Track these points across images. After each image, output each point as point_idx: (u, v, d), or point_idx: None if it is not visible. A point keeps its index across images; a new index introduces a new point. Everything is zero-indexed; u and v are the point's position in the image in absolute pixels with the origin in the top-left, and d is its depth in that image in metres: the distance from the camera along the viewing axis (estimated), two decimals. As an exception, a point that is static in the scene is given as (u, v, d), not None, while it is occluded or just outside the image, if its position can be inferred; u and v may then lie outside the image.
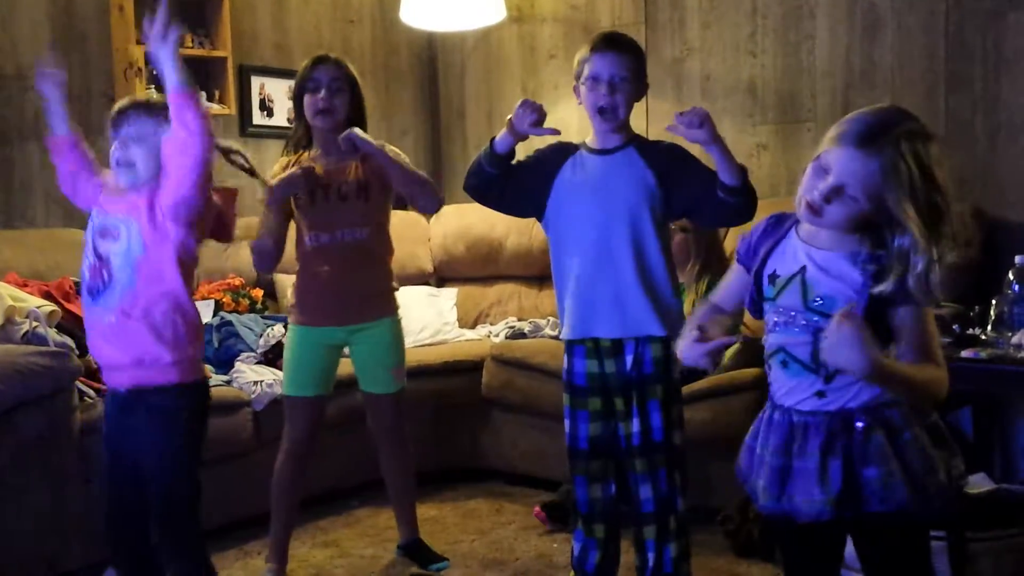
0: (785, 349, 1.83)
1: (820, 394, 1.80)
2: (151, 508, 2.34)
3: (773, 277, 1.85)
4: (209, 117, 2.27)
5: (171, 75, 2.21)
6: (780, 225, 1.91)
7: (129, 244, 2.29)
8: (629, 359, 2.62)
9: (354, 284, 3.07)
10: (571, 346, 2.71)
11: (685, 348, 1.95)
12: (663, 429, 2.63)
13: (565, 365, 2.73)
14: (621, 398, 2.65)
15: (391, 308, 3.18)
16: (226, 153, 2.60)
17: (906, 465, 1.75)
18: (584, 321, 2.67)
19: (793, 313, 1.81)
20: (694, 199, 2.60)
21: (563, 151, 2.70)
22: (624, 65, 2.58)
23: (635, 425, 2.63)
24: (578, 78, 2.64)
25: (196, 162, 2.24)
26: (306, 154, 3.09)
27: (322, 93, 3.02)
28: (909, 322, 1.74)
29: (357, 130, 3.01)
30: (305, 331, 3.09)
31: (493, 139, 2.61)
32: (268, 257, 3.07)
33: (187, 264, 2.34)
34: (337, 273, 3.04)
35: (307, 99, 3.04)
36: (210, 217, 2.41)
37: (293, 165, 3.06)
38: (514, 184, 2.67)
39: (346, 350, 3.18)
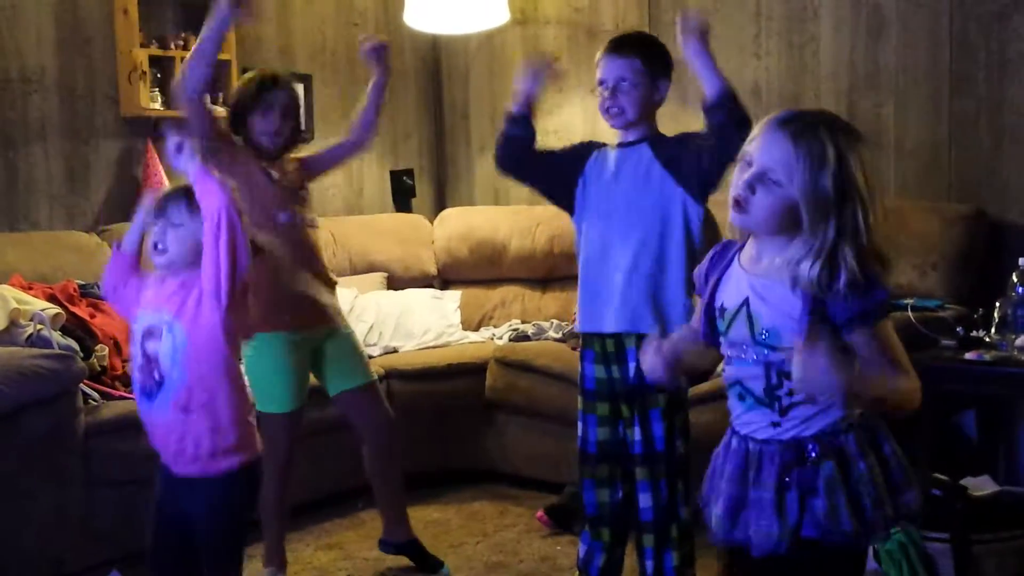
0: (741, 383, 1.80)
1: (775, 424, 1.76)
2: (200, 564, 2.35)
3: (722, 310, 1.80)
4: (238, 202, 2.27)
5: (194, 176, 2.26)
6: (725, 254, 1.86)
7: (174, 341, 2.26)
8: (632, 366, 2.62)
9: (323, 274, 3.11)
10: (583, 350, 2.73)
11: (646, 359, 1.91)
12: (664, 439, 2.62)
13: (580, 368, 2.76)
14: (626, 405, 2.66)
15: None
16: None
17: (855, 497, 1.71)
18: (588, 314, 2.69)
19: (744, 346, 1.76)
20: (694, 147, 2.58)
21: (592, 145, 2.75)
22: (626, 67, 2.59)
23: (637, 434, 2.63)
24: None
25: (226, 248, 2.22)
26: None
27: (274, 115, 2.99)
28: (864, 349, 1.68)
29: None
30: (293, 338, 3.00)
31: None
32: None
33: (234, 335, 2.32)
34: (314, 262, 3.06)
35: (257, 119, 2.99)
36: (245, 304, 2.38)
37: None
38: (547, 160, 2.74)
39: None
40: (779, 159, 1.67)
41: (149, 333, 2.29)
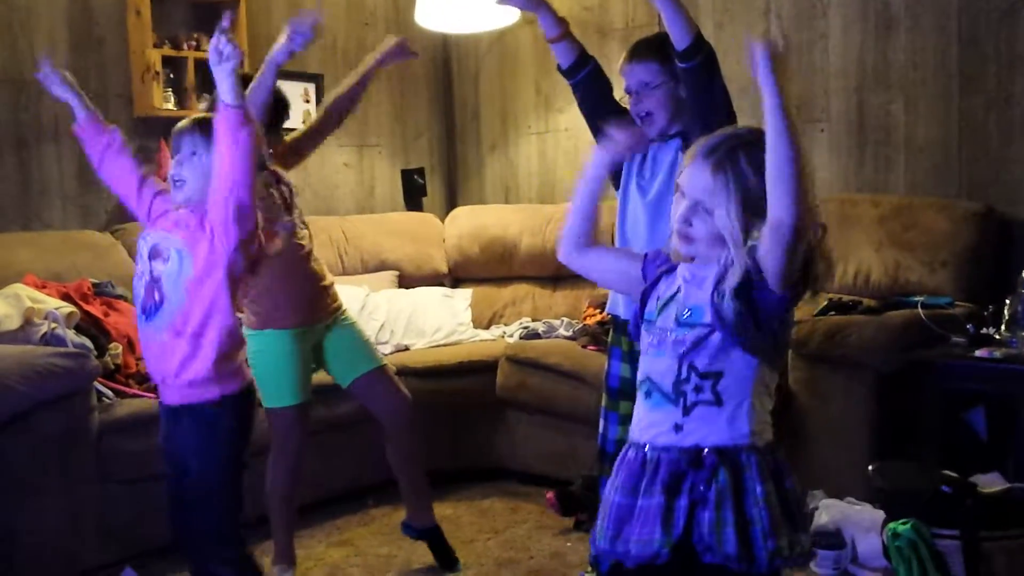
0: (650, 378, 1.78)
1: (678, 427, 1.73)
2: (187, 519, 2.40)
3: (658, 299, 1.81)
4: (261, 136, 2.31)
5: (226, 93, 2.23)
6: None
7: (181, 265, 2.31)
8: None
9: (320, 271, 3.12)
10: (611, 347, 2.76)
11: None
12: None
13: (606, 365, 2.79)
14: None
15: (340, 302, 3.22)
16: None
17: (746, 521, 1.65)
18: (619, 299, 2.73)
19: (666, 331, 1.76)
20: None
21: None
22: (646, 71, 2.62)
23: None
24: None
25: (243, 176, 2.26)
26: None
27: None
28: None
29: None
30: (297, 333, 3.02)
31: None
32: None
33: (235, 281, 2.36)
34: (310, 260, 3.07)
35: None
36: (256, 243, 2.41)
37: None
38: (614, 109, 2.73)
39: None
40: (706, 188, 1.71)
41: (155, 253, 2.34)
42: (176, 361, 2.33)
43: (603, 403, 2.77)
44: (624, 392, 2.69)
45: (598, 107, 2.75)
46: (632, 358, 2.66)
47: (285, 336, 3.00)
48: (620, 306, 2.72)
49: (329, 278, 3.17)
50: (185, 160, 2.34)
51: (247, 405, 2.45)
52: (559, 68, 2.82)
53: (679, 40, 2.48)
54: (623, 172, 2.73)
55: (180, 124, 2.41)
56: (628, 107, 2.70)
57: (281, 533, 3.12)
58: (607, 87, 2.80)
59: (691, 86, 2.54)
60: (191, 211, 2.34)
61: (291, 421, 3.03)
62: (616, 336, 2.77)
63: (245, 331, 2.80)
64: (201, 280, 2.31)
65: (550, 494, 3.61)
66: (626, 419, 2.66)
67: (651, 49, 2.67)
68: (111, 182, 2.50)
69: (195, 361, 2.33)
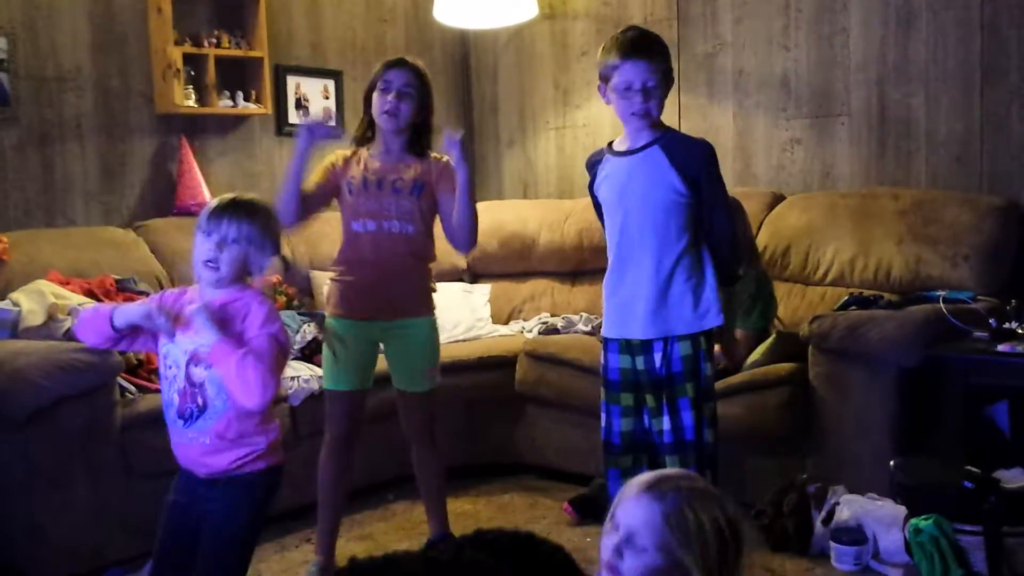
0: None
1: None
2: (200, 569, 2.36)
3: None
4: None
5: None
6: None
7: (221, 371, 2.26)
8: (658, 356, 2.64)
9: (395, 279, 3.09)
10: (606, 341, 2.76)
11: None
12: (694, 428, 2.64)
13: (601, 360, 2.78)
14: (652, 395, 2.67)
15: (428, 308, 3.19)
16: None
17: None
18: (615, 323, 2.74)
19: None
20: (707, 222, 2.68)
21: (596, 158, 2.80)
22: (655, 69, 2.61)
23: (666, 423, 2.65)
24: (606, 80, 2.66)
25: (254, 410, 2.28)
26: (365, 151, 3.13)
27: (391, 95, 3.04)
28: None
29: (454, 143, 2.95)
30: (344, 324, 3.11)
31: None
32: (289, 202, 2.99)
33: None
34: (380, 264, 3.06)
35: (376, 97, 3.08)
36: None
37: (352, 157, 3.13)
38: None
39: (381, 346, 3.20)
40: (646, 523, 1.62)
41: (196, 358, 2.27)
42: (222, 460, 2.30)
43: (602, 397, 2.76)
44: (624, 384, 2.71)
45: None
46: (630, 349, 2.69)
47: (341, 325, 3.11)
48: (633, 328, 2.71)
49: (412, 285, 3.14)
50: (225, 245, 2.26)
51: (277, 481, 2.42)
52: None
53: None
54: (607, 198, 2.73)
55: (219, 205, 2.30)
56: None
57: (323, 520, 3.18)
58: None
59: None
60: (220, 308, 2.28)
61: (333, 402, 3.14)
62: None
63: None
64: None
65: (566, 505, 3.62)
66: (628, 411, 2.69)
67: (654, 46, 2.66)
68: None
69: (245, 451, 2.31)
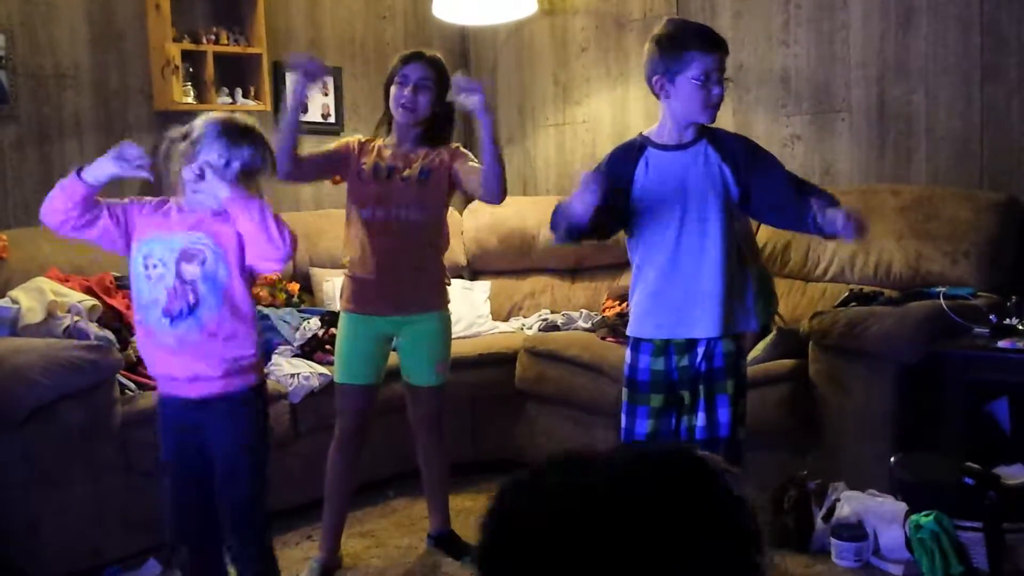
0: None
1: None
2: (222, 502, 2.40)
3: None
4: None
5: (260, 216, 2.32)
6: None
7: (217, 269, 2.32)
8: (700, 351, 2.59)
9: (407, 270, 3.08)
10: (637, 343, 2.65)
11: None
12: (729, 425, 2.59)
13: (628, 360, 2.66)
14: (688, 391, 2.61)
15: (442, 302, 3.19)
16: None
17: None
18: (668, 323, 2.61)
19: None
20: (777, 200, 2.56)
21: (630, 152, 2.64)
22: (722, 63, 2.56)
23: (700, 419, 2.59)
24: (675, 73, 2.53)
25: (282, 263, 2.38)
26: (380, 140, 3.14)
27: (408, 89, 3.06)
28: None
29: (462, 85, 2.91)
30: (355, 318, 3.11)
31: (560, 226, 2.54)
32: (284, 153, 2.95)
33: (252, 279, 2.44)
34: (390, 254, 3.05)
35: (394, 91, 3.09)
36: None
37: (367, 143, 3.15)
38: (604, 214, 2.49)
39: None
40: None
41: (188, 256, 2.31)
42: (213, 358, 2.33)
43: (625, 398, 2.67)
44: (657, 384, 2.62)
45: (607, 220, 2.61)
46: (667, 350, 2.60)
47: (349, 319, 3.13)
48: (669, 328, 2.64)
49: (424, 277, 3.14)
50: (216, 165, 2.32)
51: (267, 397, 2.49)
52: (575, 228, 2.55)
53: (838, 225, 2.46)
54: (648, 197, 2.60)
55: (210, 120, 2.37)
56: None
57: (329, 515, 3.20)
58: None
59: (805, 226, 2.53)
60: (220, 219, 2.34)
61: (344, 398, 3.15)
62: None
63: None
64: (233, 283, 2.34)
65: None
66: (657, 412, 2.63)
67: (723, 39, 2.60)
68: (68, 229, 2.39)
69: (234, 354, 2.35)
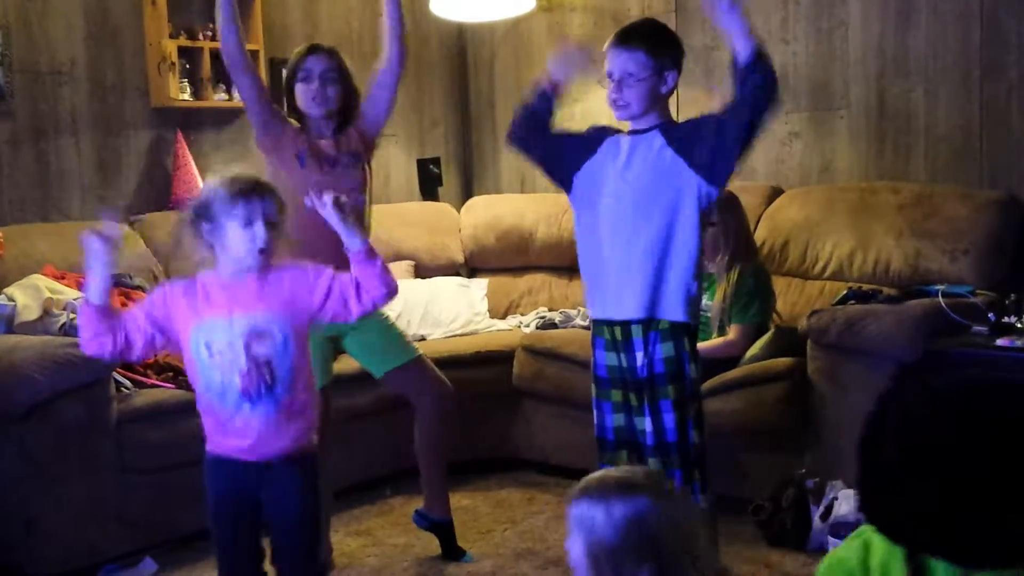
0: None
1: None
2: (283, 552, 2.35)
3: None
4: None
5: (354, 239, 2.30)
6: None
7: (286, 345, 2.24)
8: (639, 355, 2.60)
9: (344, 264, 3.03)
10: (593, 337, 2.73)
11: None
12: (676, 430, 2.60)
13: (591, 356, 2.75)
14: (635, 394, 2.65)
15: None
16: None
17: None
18: (596, 301, 2.71)
19: None
20: (710, 128, 2.55)
21: (606, 131, 2.75)
22: (631, 60, 2.59)
23: (648, 424, 2.62)
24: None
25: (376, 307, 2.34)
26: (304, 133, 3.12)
27: (315, 84, 3.05)
28: None
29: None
30: None
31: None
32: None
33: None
34: (329, 250, 2.95)
35: (300, 88, 3.07)
36: None
37: (297, 130, 3.11)
38: (556, 141, 2.77)
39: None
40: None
41: (259, 335, 2.22)
42: (284, 437, 2.28)
43: (593, 393, 2.74)
44: (613, 380, 2.68)
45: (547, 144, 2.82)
46: (615, 346, 2.66)
47: None
48: (606, 307, 2.69)
49: None
50: (273, 224, 2.25)
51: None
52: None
53: (744, 53, 2.46)
54: (597, 173, 2.68)
55: (250, 180, 2.28)
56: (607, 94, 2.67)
57: None
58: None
59: (747, 100, 2.46)
60: (257, 277, 2.26)
61: None
62: (598, 326, 2.73)
63: None
64: (303, 354, 2.28)
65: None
66: (619, 407, 2.67)
67: (641, 37, 2.63)
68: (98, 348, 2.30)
69: (306, 424, 2.33)
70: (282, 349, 2.23)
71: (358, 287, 2.27)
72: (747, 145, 2.50)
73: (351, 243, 2.29)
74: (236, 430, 2.27)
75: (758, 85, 2.43)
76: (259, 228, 2.22)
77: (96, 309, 2.25)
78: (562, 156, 2.76)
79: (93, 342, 2.27)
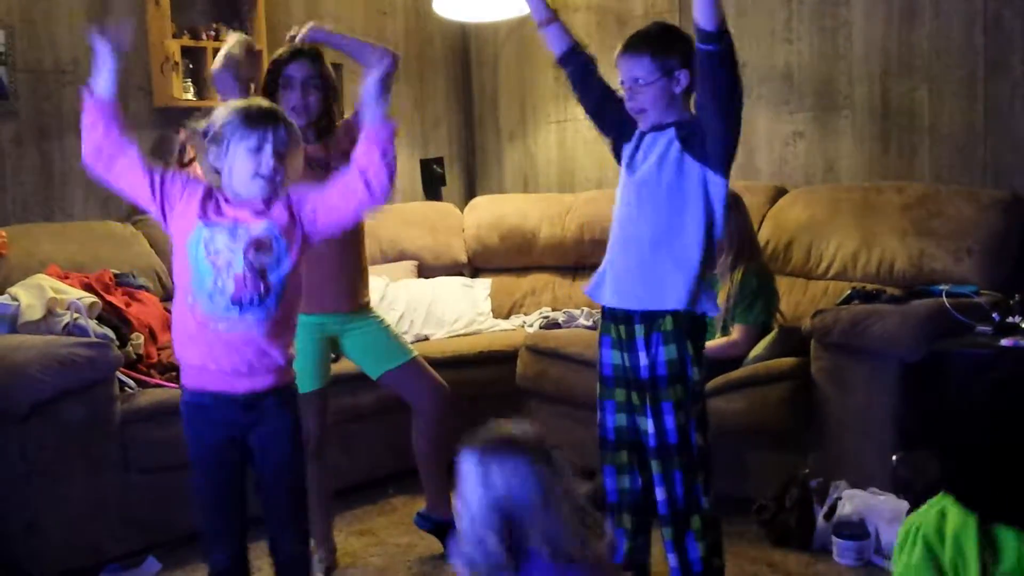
0: None
1: None
2: (277, 493, 2.39)
3: None
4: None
5: (380, 109, 2.30)
6: None
7: (281, 258, 2.28)
8: (642, 355, 2.60)
9: (346, 263, 3.03)
10: (600, 336, 2.73)
11: None
12: (677, 432, 2.58)
13: (597, 354, 2.75)
14: (637, 393, 2.64)
15: (369, 297, 3.16)
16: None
17: None
18: (598, 286, 2.71)
19: None
20: (702, 119, 2.54)
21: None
22: (638, 65, 2.58)
23: (650, 426, 2.60)
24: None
25: (377, 201, 2.29)
26: None
27: (296, 92, 2.98)
28: None
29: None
30: (307, 320, 2.93)
31: None
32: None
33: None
34: (331, 250, 2.90)
35: (280, 95, 2.99)
36: None
37: None
38: (612, 98, 2.74)
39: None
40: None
41: (259, 244, 2.25)
42: (272, 349, 2.29)
43: (598, 392, 2.73)
44: (617, 380, 2.67)
45: (594, 94, 2.78)
46: (620, 345, 2.65)
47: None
48: (605, 294, 2.69)
49: (351, 272, 3.10)
50: (280, 156, 2.26)
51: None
52: (556, 59, 2.86)
53: (706, 22, 2.44)
54: (622, 158, 2.71)
55: (265, 109, 2.30)
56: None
57: (316, 520, 3.13)
58: (601, 78, 2.80)
59: (706, 69, 2.47)
60: (279, 205, 2.29)
61: (305, 408, 3.04)
62: (605, 324, 2.72)
63: None
64: (295, 270, 2.30)
65: None
66: (622, 407, 2.66)
67: (645, 42, 2.62)
68: (101, 169, 2.40)
69: (286, 350, 2.33)
70: (280, 260, 2.27)
71: (362, 164, 2.28)
72: (729, 119, 2.49)
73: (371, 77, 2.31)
74: (218, 338, 2.26)
75: (711, 58, 2.45)
76: (267, 155, 2.24)
77: (99, 100, 2.32)
78: (613, 118, 2.75)
79: (91, 131, 2.39)
